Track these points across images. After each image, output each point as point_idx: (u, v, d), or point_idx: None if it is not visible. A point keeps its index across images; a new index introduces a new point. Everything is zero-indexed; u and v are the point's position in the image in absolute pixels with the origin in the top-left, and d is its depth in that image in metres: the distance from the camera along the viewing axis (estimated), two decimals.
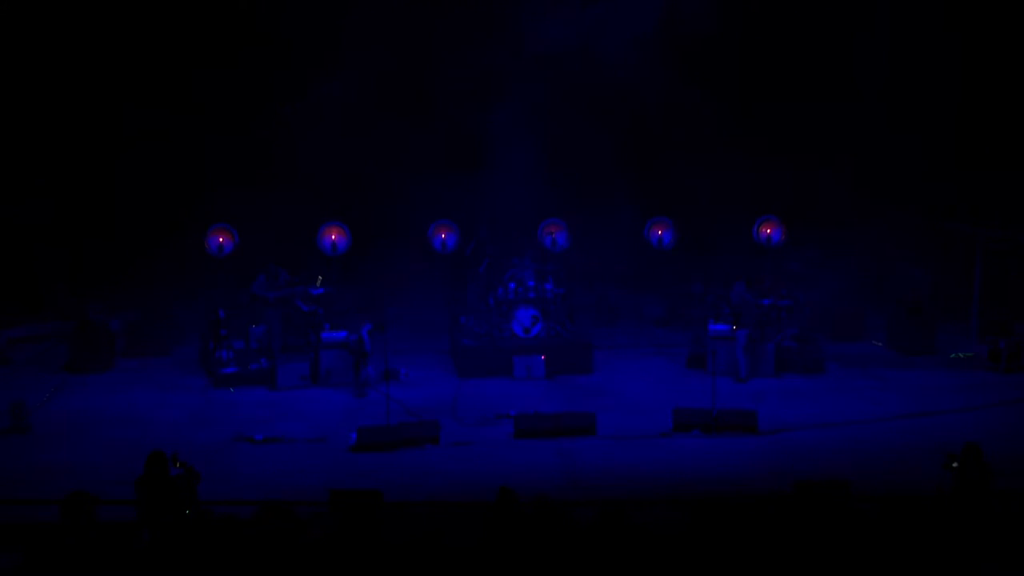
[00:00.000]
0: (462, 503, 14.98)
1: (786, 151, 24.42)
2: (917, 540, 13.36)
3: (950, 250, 24.24)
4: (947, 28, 24.14)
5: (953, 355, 22.44)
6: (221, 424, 19.03)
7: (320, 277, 22.32)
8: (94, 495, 13.84)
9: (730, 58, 24.71)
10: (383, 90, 24.61)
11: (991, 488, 13.91)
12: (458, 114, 24.39)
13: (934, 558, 13.12)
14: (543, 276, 22.48)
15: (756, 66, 24.95)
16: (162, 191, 24.64)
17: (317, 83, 24.46)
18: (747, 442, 17.80)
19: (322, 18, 24.25)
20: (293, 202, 24.15)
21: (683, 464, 16.89)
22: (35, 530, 13.85)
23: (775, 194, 23.92)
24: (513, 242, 23.31)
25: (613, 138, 24.68)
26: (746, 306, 21.36)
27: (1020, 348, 21.42)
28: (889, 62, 24.60)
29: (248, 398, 20.69)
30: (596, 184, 24.83)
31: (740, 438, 17.94)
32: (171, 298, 24.04)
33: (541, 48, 23.91)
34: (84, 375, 21.95)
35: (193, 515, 13.79)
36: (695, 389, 20.17)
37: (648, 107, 24.71)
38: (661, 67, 24.02)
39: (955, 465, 14.03)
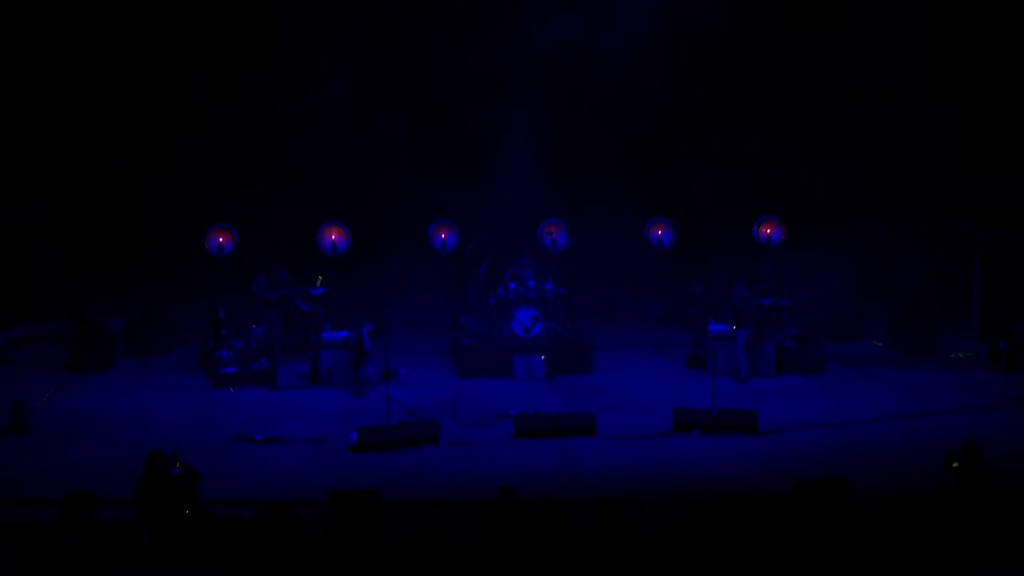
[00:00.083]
0: (462, 503, 14.99)
1: (786, 151, 24.42)
2: (917, 540, 13.37)
3: (950, 250, 24.24)
4: (947, 28, 24.14)
5: (953, 355, 22.44)
6: (221, 424, 19.03)
7: (320, 277, 22.31)
8: (94, 495, 13.85)
9: (730, 58, 24.70)
10: (383, 90, 24.63)
11: (991, 488, 13.91)
12: (458, 114, 24.40)
13: (934, 558, 13.13)
14: (543, 276, 22.47)
15: (756, 66, 24.95)
16: (162, 191, 24.64)
17: (317, 83, 24.46)
18: (747, 442, 17.80)
19: (323, 18, 24.24)
20: (293, 202, 24.17)
21: (683, 464, 16.89)
22: (35, 530, 13.87)
23: (775, 194, 23.92)
24: (513, 242, 23.31)
25: (613, 138, 24.70)
26: (746, 306, 21.35)
27: (1020, 348, 21.41)
28: (889, 62, 24.58)
29: (248, 398, 20.68)
30: (596, 184, 24.85)
31: (740, 438, 17.93)
32: (171, 298, 24.03)
33: (541, 48, 23.91)
34: (84, 375, 21.95)
35: (193, 515, 13.79)
36: (695, 389, 20.17)
37: (648, 107, 24.71)
38: (661, 67, 24.04)
39: (955, 465, 14.04)
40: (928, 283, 23.90)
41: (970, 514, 13.63)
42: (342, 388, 21.01)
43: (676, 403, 18.79)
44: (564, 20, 23.84)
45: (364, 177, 24.69)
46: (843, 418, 18.87)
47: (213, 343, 21.80)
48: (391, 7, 24.15)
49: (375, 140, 24.63)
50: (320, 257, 23.15)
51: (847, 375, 21.56)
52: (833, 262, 23.49)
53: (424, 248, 23.85)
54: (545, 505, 13.33)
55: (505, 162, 24.38)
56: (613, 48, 23.81)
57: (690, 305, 24.46)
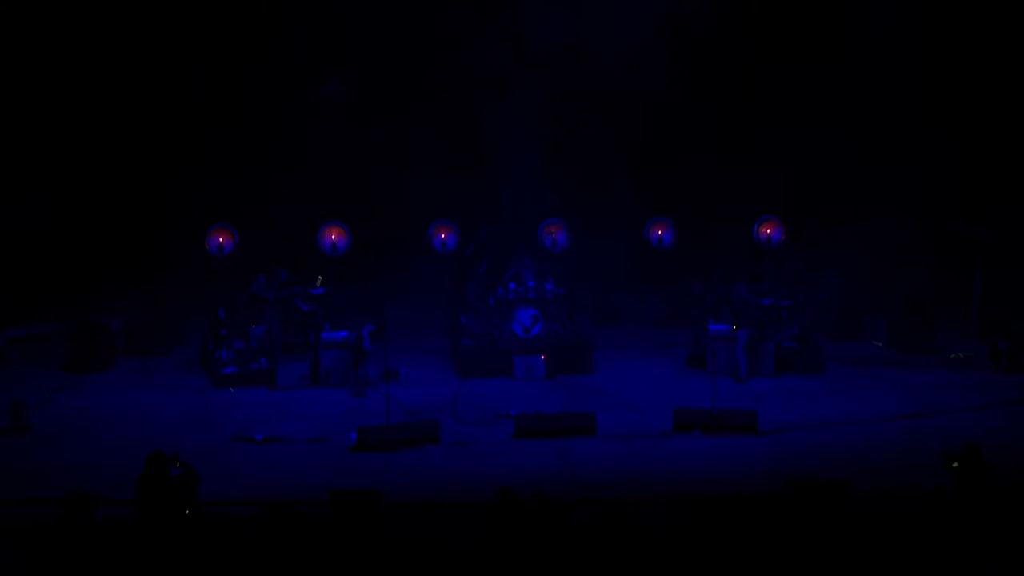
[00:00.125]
0: (462, 503, 14.98)
1: (786, 151, 24.39)
2: (917, 540, 13.36)
3: (950, 250, 24.22)
4: (947, 28, 24.13)
5: (953, 355, 22.43)
6: (221, 424, 19.02)
7: (320, 277, 22.31)
8: (94, 495, 13.85)
9: (731, 58, 24.68)
10: (383, 90, 24.61)
11: (991, 488, 13.90)
12: (459, 114, 24.38)
13: (934, 558, 13.12)
14: (543, 276, 22.47)
15: (757, 66, 24.92)
16: (162, 191, 24.62)
17: (318, 82, 24.44)
18: (747, 442, 17.79)
19: (323, 17, 24.23)
20: (293, 202, 24.16)
21: (683, 464, 16.87)
22: (35, 530, 13.86)
23: (775, 194, 23.91)
24: (513, 242, 23.30)
25: (613, 138, 24.67)
26: (746, 306, 21.35)
27: (1020, 348, 21.41)
28: (889, 63, 24.56)
29: (248, 398, 20.68)
30: (596, 184, 24.83)
31: (740, 438, 17.92)
32: (171, 298, 24.02)
33: (542, 48, 23.89)
34: (84, 375, 21.94)
35: (193, 515, 13.79)
36: (695, 389, 20.14)
37: (648, 107, 24.68)
38: (662, 67, 24.02)
39: (955, 465, 14.03)
40: (928, 283, 23.87)
41: (970, 514, 13.62)
42: (342, 388, 21.01)
43: (676, 403, 18.77)
44: (564, 20, 23.82)
45: (364, 177, 24.66)
46: (843, 418, 18.86)
47: (213, 343, 21.80)
48: (392, 6, 24.13)
49: (376, 140, 24.61)
50: (320, 257, 23.14)
51: (847, 375, 21.55)
52: (833, 262, 23.48)
53: (424, 248, 23.83)
54: (545, 505, 13.32)
55: (505, 162, 24.35)
56: (613, 48, 23.78)
57: (690, 305, 24.43)
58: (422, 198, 24.30)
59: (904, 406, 19.46)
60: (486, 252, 23.35)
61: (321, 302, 22.07)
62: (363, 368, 20.92)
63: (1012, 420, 18.69)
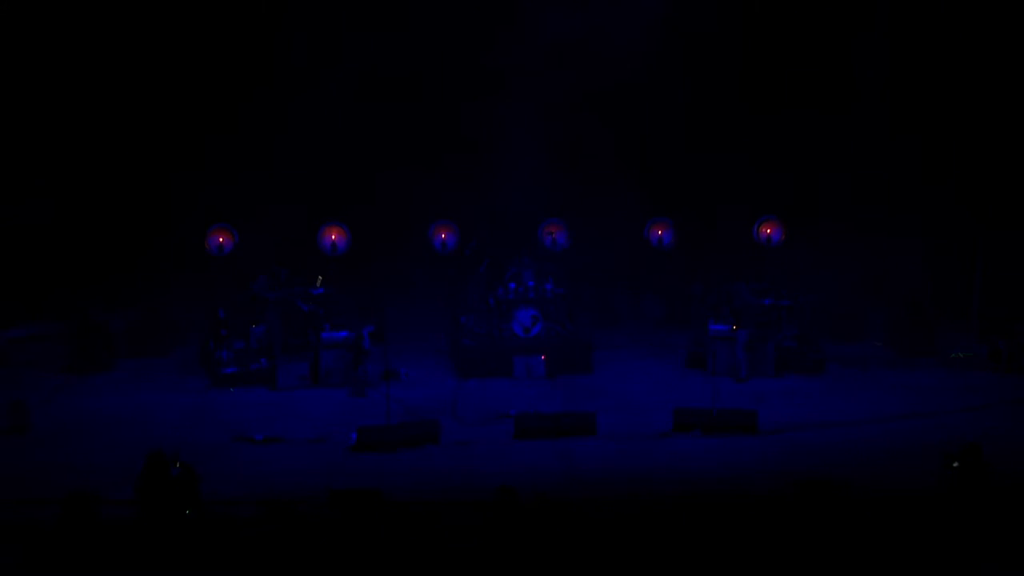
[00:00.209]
0: (462, 503, 14.98)
1: (786, 151, 24.40)
2: (917, 540, 13.37)
3: (950, 250, 24.23)
4: (947, 28, 24.12)
5: (953, 355, 22.42)
6: (221, 424, 19.03)
7: (320, 277, 22.32)
8: (94, 495, 13.85)
9: (731, 58, 24.67)
10: (383, 89, 24.61)
11: (991, 488, 13.91)
12: (459, 114, 24.38)
13: (934, 558, 13.13)
14: (543, 276, 22.48)
15: (757, 66, 24.92)
16: (162, 191, 24.62)
17: (318, 82, 24.43)
18: (747, 442, 17.80)
19: (323, 17, 24.23)
20: (293, 202, 24.17)
21: (683, 464, 16.89)
22: (35, 530, 13.87)
23: (775, 194, 23.91)
24: (513, 242, 23.31)
25: (614, 138, 24.67)
26: (746, 306, 21.34)
27: (1020, 348, 21.41)
28: (889, 62, 24.57)
29: (248, 398, 20.69)
30: (597, 184, 24.82)
31: (740, 438, 17.92)
32: (171, 298, 24.03)
33: (543, 48, 23.89)
34: (84, 375, 21.94)
35: (193, 515, 13.80)
36: (695, 389, 20.16)
37: (649, 107, 24.69)
38: (662, 67, 24.03)
39: (955, 465, 14.03)
40: (928, 283, 23.89)
41: (970, 514, 13.63)
42: (342, 388, 21.01)
43: (676, 403, 18.78)
44: (565, 20, 23.83)
45: (364, 177, 24.67)
46: (843, 418, 18.87)
47: (213, 343, 21.80)
48: (392, 5, 24.14)
49: (375, 140, 24.61)
50: (320, 257, 23.14)
51: (847, 375, 21.55)
52: (833, 262, 23.48)
53: (424, 248, 23.83)
54: (545, 505, 13.33)
55: (505, 162, 24.35)
56: (614, 48, 23.78)
57: (690, 305, 24.42)
58: (422, 198, 24.30)
59: (904, 406, 19.46)
60: (486, 252, 23.35)
61: (321, 302, 22.08)
62: (363, 368, 20.92)
63: (1012, 420, 18.70)
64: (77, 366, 22.16)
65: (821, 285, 23.18)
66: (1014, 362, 21.31)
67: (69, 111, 24.49)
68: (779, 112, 24.60)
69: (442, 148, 24.58)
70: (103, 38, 24.23)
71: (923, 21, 24.23)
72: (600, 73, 24.15)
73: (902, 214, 24.10)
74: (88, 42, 24.21)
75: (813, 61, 24.59)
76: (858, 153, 24.50)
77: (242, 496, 15.14)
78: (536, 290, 22.26)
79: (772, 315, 21.90)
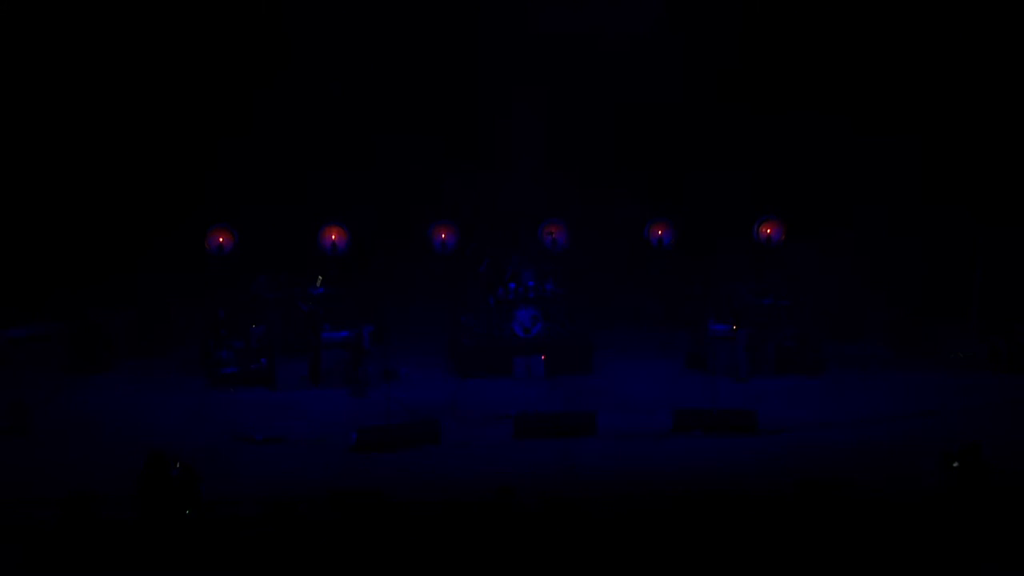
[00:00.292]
0: (462, 503, 14.97)
1: (787, 151, 24.39)
2: (917, 540, 13.36)
3: (950, 250, 24.21)
4: (948, 28, 24.11)
5: (953, 355, 22.41)
6: (221, 424, 19.03)
7: (320, 277, 22.32)
8: (94, 495, 13.85)
9: (732, 58, 24.66)
10: (383, 89, 24.61)
11: (991, 488, 13.91)
12: (459, 113, 24.39)
13: (934, 558, 13.13)
14: (543, 276, 22.48)
15: (757, 66, 24.90)
16: (162, 191, 24.61)
17: (317, 81, 24.44)
18: (747, 442, 17.79)
19: (323, 16, 24.22)
20: (293, 202, 24.17)
21: (684, 464, 16.88)
22: (35, 530, 13.87)
23: (775, 194, 23.91)
24: (513, 242, 23.31)
25: (614, 138, 24.68)
26: (746, 306, 21.34)
27: (1020, 348, 21.40)
28: (889, 62, 24.56)
29: (248, 398, 20.69)
30: (596, 184, 24.83)
31: (740, 438, 17.92)
32: (171, 298, 24.02)
33: (543, 48, 23.92)
34: (84, 375, 21.95)
35: (193, 515, 13.79)
36: (695, 389, 20.15)
37: (649, 107, 24.68)
38: (663, 67, 24.03)
39: (955, 465, 14.03)
40: (928, 283, 23.88)
41: (970, 514, 13.62)
42: (342, 388, 21.01)
43: (676, 403, 18.78)
44: (565, 20, 23.84)
45: (364, 177, 24.66)
46: (843, 418, 18.87)
47: (213, 343, 21.80)
48: (391, 5, 24.14)
49: (375, 140, 24.61)
50: (320, 257, 23.14)
51: (847, 375, 21.55)
52: (833, 262, 23.47)
53: (424, 248, 23.84)
54: (545, 505, 13.33)
55: (506, 162, 24.36)
56: (615, 48, 23.80)
57: (690, 305, 24.43)
58: (422, 198, 24.31)
59: (904, 406, 19.46)
60: (486, 252, 23.36)
61: (321, 302, 22.07)
62: (363, 368, 20.93)
63: (1012, 420, 18.69)
64: (77, 366, 22.16)
65: (821, 285, 23.18)
66: (1014, 362, 21.31)
67: (69, 111, 24.47)
68: (780, 112, 24.58)
69: (442, 148, 24.58)
70: (103, 37, 24.21)
71: (923, 21, 24.22)
72: (600, 73, 24.18)
73: (902, 214, 24.09)
74: (88, 41, 24.19)
75: (814, 60, 24.58)
76: (858, 153, 24.48)
77: (242, 496, 15.13)
78: (536, 290, 22.26)
79: (772, 315, 21.91)
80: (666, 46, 23.82)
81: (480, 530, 13.33)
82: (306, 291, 22.12)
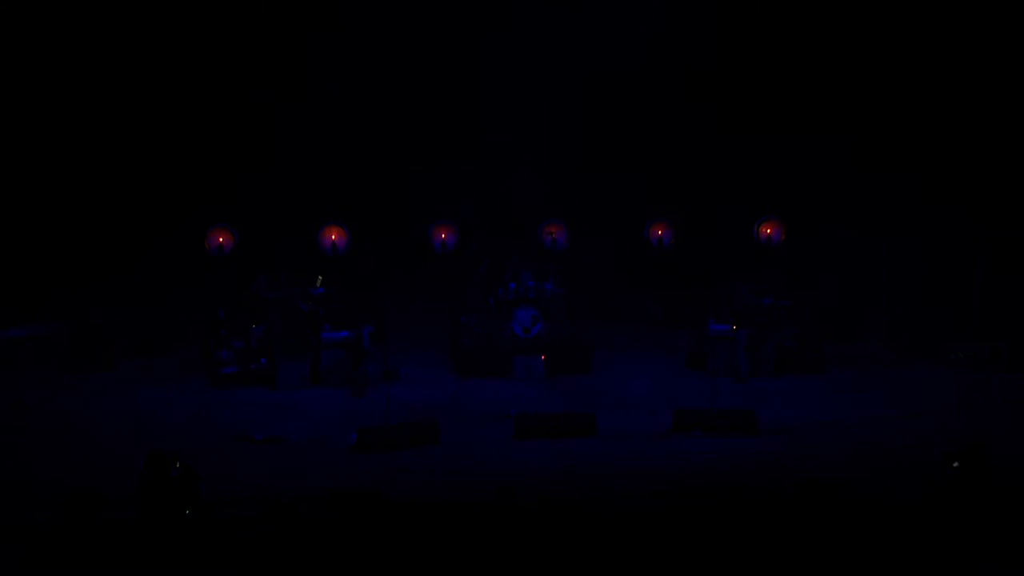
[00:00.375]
0: (462, 503, 14.97)
1: (787, 151, 24.40)
2: (917, 540, 13.36)
3: (950, 250, 24.22)
4: (948, 28, 24.12)
5: (953, 355, 22.42)
6: (221, 424, 19.03)
7: (320, 277, 22.32)
8: (94, 495, 13.84)
9: (732, 58, 24.68)
10: (383, 89, 24.62)
11: (991, 488, 13.91)
12: (459, 114, 24.40)
13: (934, 558, 13.13)
14: (543, 276, 22.49)
15: (758, 66, 24.92)
16: (162, 191, 24.62)
17: (317, 81, 24.45)
18: (747, 442, 17.79)
19: (323, 15, 24.23)
20: (293, 202, 24.18)
21: (684, 464, 16.88)
22: (35, 530, 13.87)
23: (775, 194, 23.91)
24: (513, 242, 23.32)
25: (614, 138, 24.69)
26: (746, 306, 21.34)
27: (1020, 348, 21.40)
28: (889, 62, 24.56)
29: (248, 398, 20.69)
30: (596, 184, 24.83)
31: (740, 438, 17.92)
32: (171, 298, 24.03)
33: (543, 47, 23.93)
34: (84, 375, 21.94)
35: (193, 515, 13.79)
36: (695, 389, 20.14)
37: (649, 107, 24.70)
38: (663, 66, 24.04)
39: (955, 465, 14.03)
40: (928, 282, 23.88)
41: (970, 514, 13.62)
42: (342, 388, 21.01)
43: (676, 403, 18.78)
44: (566, 20, 23.85)
45: (364, 177, 24.68)
46: (843, 418, 18.87)
47: (213, 343, 21.80)
48: (391, 6, 24.15)
49: (376, 139, 24.63)
50: (320, 257, 23.15)
51: (847, 375, 21.56)
52: (833, 262, 23.47)
53: (424, 248, 23.85)
54: (545, 505, 13.33)
55: (506, 162, 24.37)
56: (615, 47, 23.81)
57: (690, 305, 24.43)
58: (422, 198, 24.31)
59: (904, 406, 19.47)
60: (486, 252, 23.37)
61: (321, 302, 22.08)
62: (363, 368, 20.93)
63: (1012, 420, 18.68)
64: (77, 366, 22.17)
65: (821, 285, 23.17)
66: (1014, 362, 21.31)
67: (69, 111, 24.48)
68: (780, 111, 24.59)
69: (442, 148, 24.59)
70: (103, 37, 24.21)
71: (923, 20, 24.22)
72: (601, 73, 24.19)
73: (902, 214, 24.09)
74: (88, 41, 24.19)
75: (814, 60, 24.58)
76: (858, 153, 24.49)
77: (242, 496, 15.13)
78: (536, 290, 22.27)
79: (772, 315, 21.91)
80: (667, 45, 23.82)
81: (480, 530, 13.33)
82: (306, 291, 22.12)
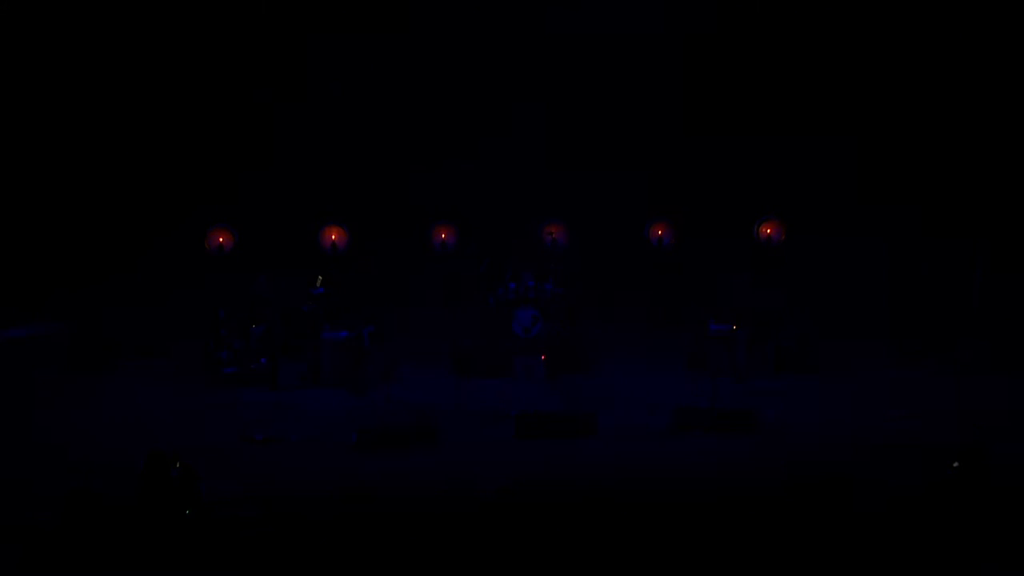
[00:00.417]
0: (462, 503, 14.98)
1: (787, 151, 24.40)
2: (917, 540, 13.36)
3: (950, 250, 24.21)
4: (946, 27, 24.12)
5: (953, 355, 22.38)
6: (221, 424, 19.03)
7: (320, 277, 22.32)
8: (94, 495, 13.84)
9: (731, 57, 24.68)
10: (383, 90, 24.62)
11: (991, 488, 13.90)
12: (459, 113, 24.40)
13: (934, 558, 13.13)
14: (543, 276, 22.49)
15: (758, 66, 24.92)
16: (162, 191, 24.62)
17: (318, 81, 24.45)
18: (747, 442, 17.79)
19: (322, 15, 24.23)
20: (293, 202, 24.17)
21: (684, 463, 16.89)
22: (35, 530, 13.87)
23: (775, 194, 23.91)
24: (513, 242, 23.32)
25: (614, 138, 24.68)
26: (746, 306, 21.33)
27: (1018, 348, 21.39)
28: (891, 60, 24.56)
29: (248, 398, 20.69)
30: (597, 183, 24.83)
31: (740, 438, 17.92)
32: (171, 298, 24.02)
33: (543, 46, 23.93)
34: (83, 375, 21.93)
35: (193, 515, 13.80)
36: (695, 389, 20.15)
37: (649, 107, 24.70)
38: (663, 66, 24.04)
39: (955, 465, 14.03)
40: (928, 283, 23.87)
41: (970, 514, 13.62)
42: (342, 388, 21.01)
43: (676, 403, 18.78)
44: (566, 20, 23.85)
45: (364, 177, 24.68)
46: (843, 418, 18.87)
47: (213, 343, 21.80)
48: (391, 5, 24.15)
49: (376, 139, 24.63)
50: (320, 257, 23.14)
51: (847, 375, 21.54)
52: (833, 262, 23.46)
53: (424, 248, 23.85)
54: (545, 505, 13.33)
55: (506, 161, 24.36)
56: (615, 47, 23.80)
57: (690, 305, 24.41)
58: (422, 198, 24.31)
59: (904, 406, 19.46)
60: (486, 252, 23.36)
61: (321, 302, 22.07)
62: (363, 368, 20.92)
63: (1012, 420, 18.68)
64: (77, 366, 22.15)
65: (821, 285, 23.16)
66: (1014, 362, 21.30)
67: (69, 111, 24.48)
68: (781, 111, 24.59)
69: (442, 148, 24.59)
70: (102, 37, 24.21)
71: (924, 20, 24.22)
72: (601, 73, 24.18)
73: (902, 214, 24.09)
74: (88, 40, 24.19)
75: (814, 60, 24.58)
76: (859, 153, 24.49)
77: (242, 496, 15.14)
78: (536, 290, 22.27)
79: (772, 315, 21.90)
80: (667, 45, 23.82)
81: (480, 530, 13.34)
82: (306, 291, 22.12)
